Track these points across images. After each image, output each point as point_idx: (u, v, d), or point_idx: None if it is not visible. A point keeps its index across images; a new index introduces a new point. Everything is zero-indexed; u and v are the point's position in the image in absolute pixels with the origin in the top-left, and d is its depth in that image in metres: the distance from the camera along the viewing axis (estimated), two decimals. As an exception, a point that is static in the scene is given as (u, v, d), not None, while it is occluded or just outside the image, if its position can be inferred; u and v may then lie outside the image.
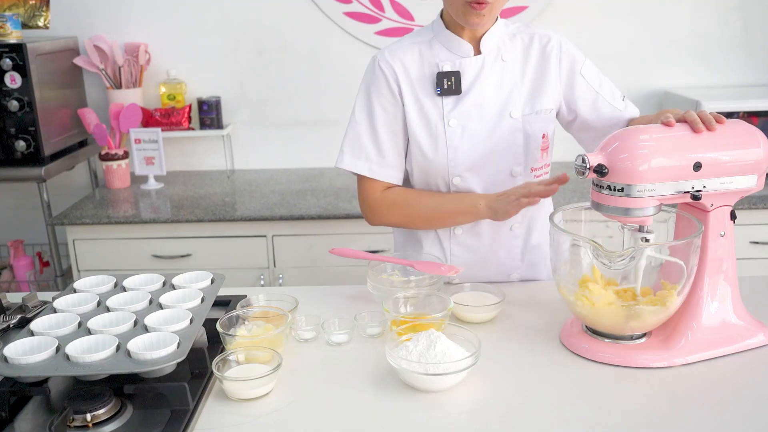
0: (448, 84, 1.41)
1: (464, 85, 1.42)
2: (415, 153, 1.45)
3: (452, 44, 1.43)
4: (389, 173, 1.47)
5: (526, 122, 1.43)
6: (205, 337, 1.17)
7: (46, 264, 2.89)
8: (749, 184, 1.15)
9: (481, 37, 1.42)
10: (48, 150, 2.51)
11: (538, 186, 1.33)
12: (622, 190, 1.09)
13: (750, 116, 2.53)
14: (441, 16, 1.46)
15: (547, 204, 1.59)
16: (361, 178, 1.49)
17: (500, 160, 1.44)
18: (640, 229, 1.14)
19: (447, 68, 1.42)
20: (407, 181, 1.52)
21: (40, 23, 2.81)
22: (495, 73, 1.43)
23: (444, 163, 1.43)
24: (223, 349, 1.18)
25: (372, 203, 1.49)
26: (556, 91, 1.46)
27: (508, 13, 2.76)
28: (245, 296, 1.37)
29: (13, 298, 1.41)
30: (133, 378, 1.06)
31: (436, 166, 1.44)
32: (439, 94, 1.42)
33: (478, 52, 1.44)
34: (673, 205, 1.20)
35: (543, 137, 1.45)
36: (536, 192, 1.32)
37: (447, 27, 1.43)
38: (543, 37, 1.46)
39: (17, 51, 2.38)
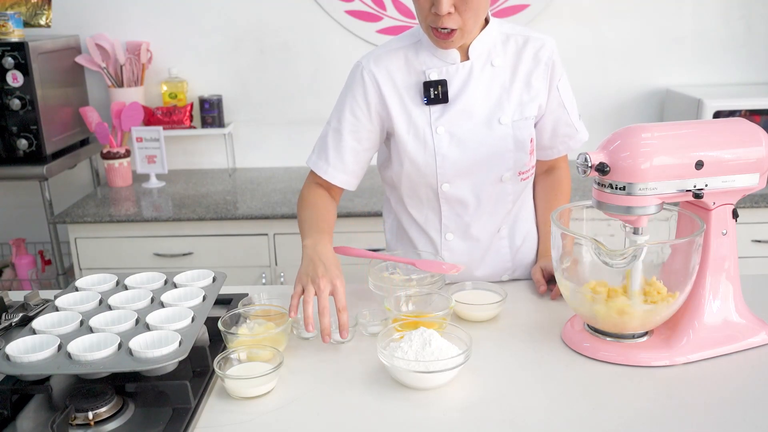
0: (435, 93, 1.37)
1: (452, 92, 1.38)
2: (404, 161, 1.43)
3: (439, 50, 1.38)
4: (343, 179, 1.45)
5: (516, 128, 1.40)
6: (206, 335, 1.18)
7: (48, 262, 2.89)
8: (751, 182, 1.15)
9: (470, 42, 1.38)
10: (50, 148, 2.52)
11: None
12: (623, 188, 1.09)
13: (752, 114, 2.52)
14: None
15: (528, 203, 1.57)
16: (312, 172, 1.49)
17: (490, 166, 1.41)
18: (635, 232, 1.14)
19: (433, 77, 1.38)
20: (395, 189, 1.51)
21: (42, 22, 2.81)
22: (484, 80, 1.39)
23: (432, 170, 1.41)
24: (225, 348, 1.18)
25: (303, 188, 1.50)
26: (543, 97, 1.43)
27: (510, 11, 2.76)
28: (247, 294, 1.37)
29: (15, 296, 1.42)
30: (134, 376, 1.06)
31: (424, 173, 1.42)
32: (426, 104, 1.39)
33: (466, 56, 1.39)
34: (675, 204, 1.20)
35: (531, 141, 1.43)
36: None
37: None
38: (537, 41, 1.41)
39: (19, 49, 2.38)
